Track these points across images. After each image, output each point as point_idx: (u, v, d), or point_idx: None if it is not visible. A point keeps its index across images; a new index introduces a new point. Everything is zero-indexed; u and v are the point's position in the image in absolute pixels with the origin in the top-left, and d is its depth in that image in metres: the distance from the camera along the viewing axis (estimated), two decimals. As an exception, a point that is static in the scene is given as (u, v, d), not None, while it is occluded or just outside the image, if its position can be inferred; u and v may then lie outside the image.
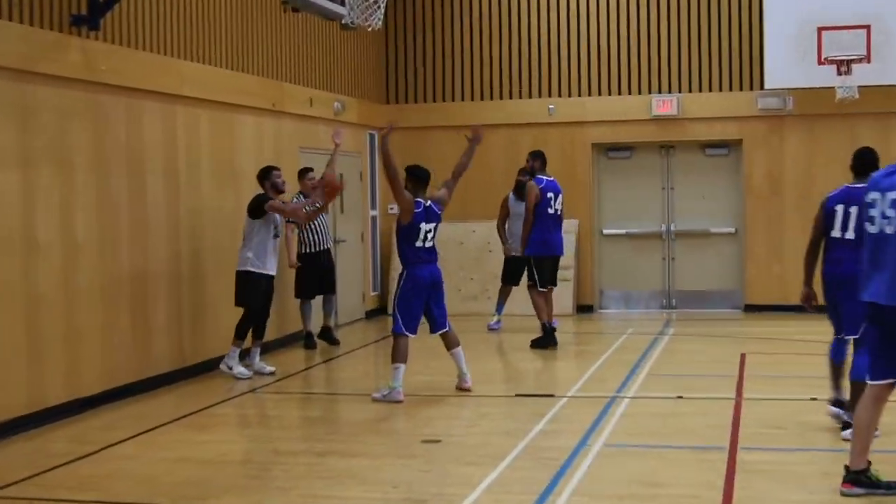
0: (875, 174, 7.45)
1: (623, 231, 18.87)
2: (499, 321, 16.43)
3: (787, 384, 11.51)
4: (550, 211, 14.50)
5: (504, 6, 18.95)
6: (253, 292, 12.25)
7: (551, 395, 10.98)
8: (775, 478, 7.75)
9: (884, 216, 6.92)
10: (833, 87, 16.97)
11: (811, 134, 17.87)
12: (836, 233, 8.74)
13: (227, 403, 11.13)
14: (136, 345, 11.52)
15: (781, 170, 17.96)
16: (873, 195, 7.10)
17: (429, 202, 11.02)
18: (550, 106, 18.70)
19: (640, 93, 18.48)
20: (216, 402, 11.11)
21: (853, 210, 8.51)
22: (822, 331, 12.35)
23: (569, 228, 18.28)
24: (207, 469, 8.39)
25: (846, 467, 6.99)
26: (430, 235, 10.97)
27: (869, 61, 16.91)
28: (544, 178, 14.71)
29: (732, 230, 18.35)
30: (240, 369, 12.24)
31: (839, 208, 8.76)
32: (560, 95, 18.78)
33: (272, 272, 12.47)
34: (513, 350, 14.84)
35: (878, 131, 17.46)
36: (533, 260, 14.62)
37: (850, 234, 8.56)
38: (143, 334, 11.66)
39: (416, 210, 10.87)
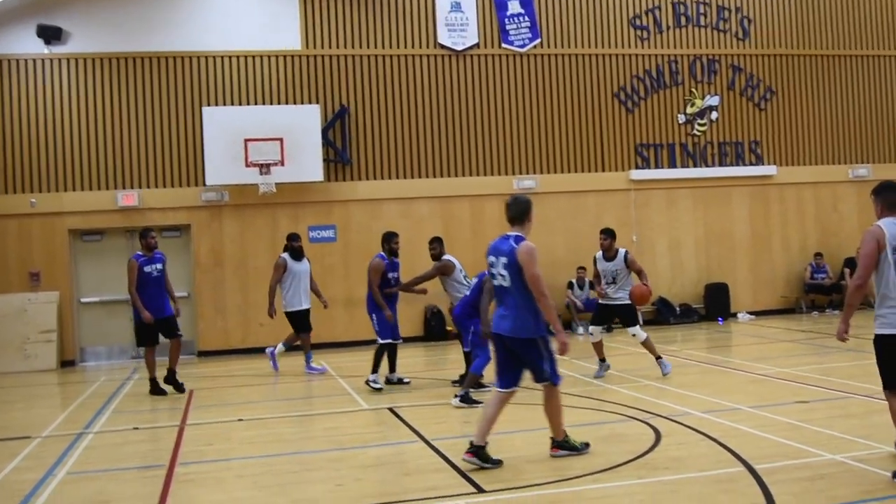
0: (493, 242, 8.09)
1: (98, 298, 18.19)
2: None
3: (224, 410, 11.58)
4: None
5: (-11, 118, 17.79)
6: None
7: (27, 437, 10.30)
8: (203, 485, 7.78)
9: (499, 274, 7.74)
10: (257, 184, 17.54)
11: (243, 219, 18.28)
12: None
13: None
14: None
15: (222, 247, 18.19)
16: (490, 258, 7.88)
17: None
18: (32, 200, 17.71)
19: (106, 188, 17.95)
20: None
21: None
22: (255, 366, 12.49)
23: (50, 299, 17.49)
24: None
25: (471, 443, 7.61)
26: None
27: (283, 164, 17.65)
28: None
29: (185, 294, 18.22)
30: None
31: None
32: (40, 190, 17.83)
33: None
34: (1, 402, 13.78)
35: (292, 218, 18.31)
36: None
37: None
38: None
39: None
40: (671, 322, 19.98)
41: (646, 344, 12.46)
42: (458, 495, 6.91)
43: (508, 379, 7.81)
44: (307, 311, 14.87)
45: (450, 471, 7.69)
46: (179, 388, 13.11)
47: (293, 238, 14.90)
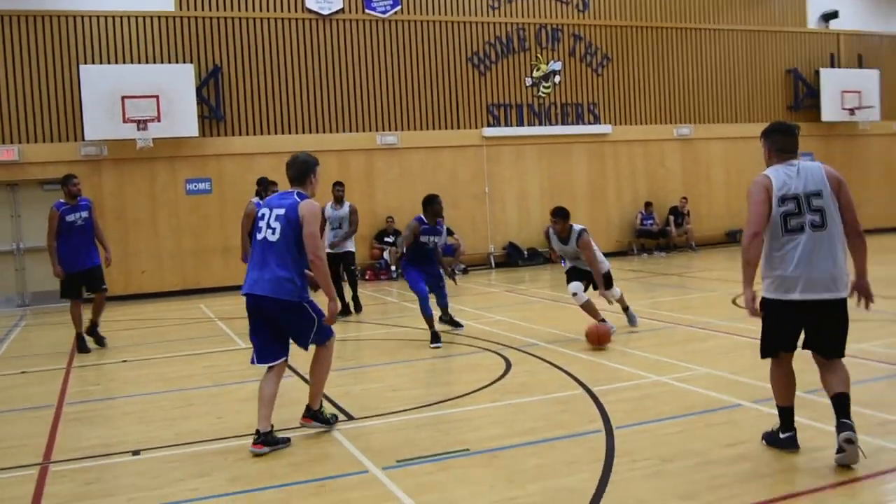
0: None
1: (-20, 251, 17.37)
2: None
3: (109, 353, 11.27)
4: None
5: None
6: None
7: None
8: (90, 423, 7.59)
9: (269, 227, 6.26)
10: (135, 139, 16.96)
11: (122, 172, 17.69)
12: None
13: None
14: None
15: (102, 200, 17.42)
16: (262, 210, 6.41)
17: None
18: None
19: (-15, 144, 17.08)
20: None
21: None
22: (137, 311, 12.06)
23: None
24: None
25: (257, 431, 6.23)
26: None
27: (159, 121, 17.11)
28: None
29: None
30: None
31: None
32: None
33: None
34: None
35: (169, 171, 17.82)
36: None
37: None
38: None
39: None
40: (519, 264, 20.40)
41: (620, 300, 10.69)
42: (330, 423, 6.95)
43: (277, 349, 6.40)
44: None
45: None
46: (100, 341, 11.60)
47: (264, 183, 12.45)
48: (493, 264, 20.43)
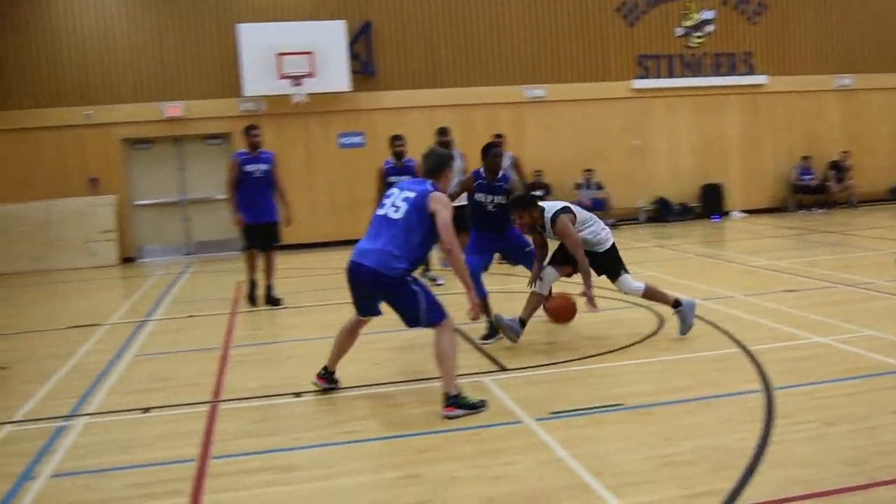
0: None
1: (151, 201, 18.28)
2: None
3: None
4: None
5: (44, 26, 17.58)
6: None
7: (97, 325, 10.48)
8: (254, 365, 7.93)
9: (394, 205, 6.14)
10: (290, 95, 17.42)
11: (279, 127, 18.18)
12: None
13: None
14: None
15: (261, 153, 18.11)
16: (394, 189, 6.32)
17: None
18: (88, 112, 17.65)
19: (153, 100, 17.88)
20: None
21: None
22: (295, 261, 12.48)
23: (108, 202, 17.59)
24: None
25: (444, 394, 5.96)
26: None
27: (313, 77, 17.49)
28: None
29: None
30: None
31: None
32: (94, 103, 17.75)
33: None
34: (66, 294, 13.98)
35: (323, 126, 18.24)
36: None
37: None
38: None
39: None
40: (669, 219, 19.95)
41: (648, 294, 8.03)
42: (483, 373, 7.04)
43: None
44: None
45: (475, 352, 7.82)
46: (276, 302, 11.01)
47: (443, 132, 11.83)
48: (643, 219, 20.06)
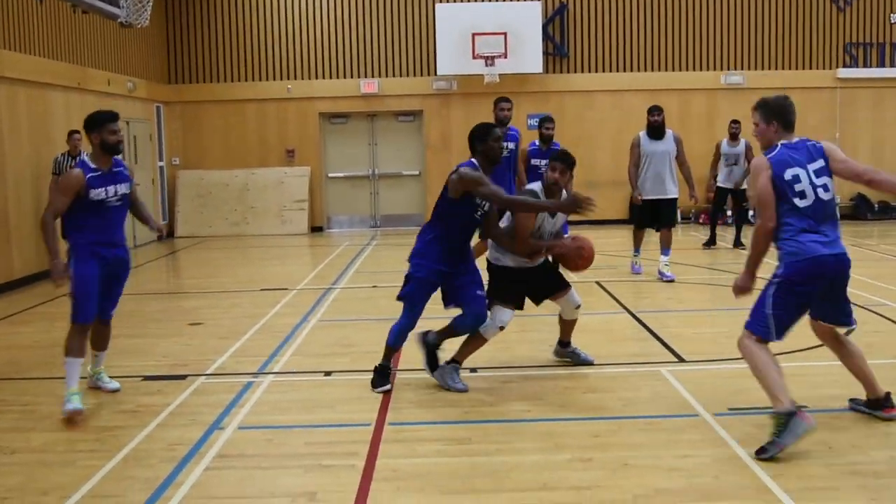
0: None
1: (343, 174, 18.92)
2: (639, 264, 11.55)
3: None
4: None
5: (254, 5, 18.48)
6: None
7: (286, 289, 10.96)
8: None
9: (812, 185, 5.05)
10: (482, 75, 17.52)
11: (469, 106, 18.28)
12: None
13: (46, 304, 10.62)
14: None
15: (450, 132, 18.39)
16: (793, 171, 5.03)
17: None
18: (289, 87, 18.44)
19: (351, 76, 18.46)
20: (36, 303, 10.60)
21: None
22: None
23: (303, 173, 18.33)
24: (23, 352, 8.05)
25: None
26: None
27: (506, 58, 17.52)
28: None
29: (417, 173, 18.73)
30: None
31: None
32: (295, 78, 18.53)
33: None
34: (260, 259, 14.66)
35: (515, 107, 18.16)
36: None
37: None
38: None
39: None
40: (868, 218, 18.79)
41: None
42: (660, 363, 6.87)
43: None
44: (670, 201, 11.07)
45: (652, 340, 7.65)
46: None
47: (652, 112, 11.09)
48: (838, 216, 18.95)
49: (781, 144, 5.13)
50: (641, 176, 10.93)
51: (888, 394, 5.41)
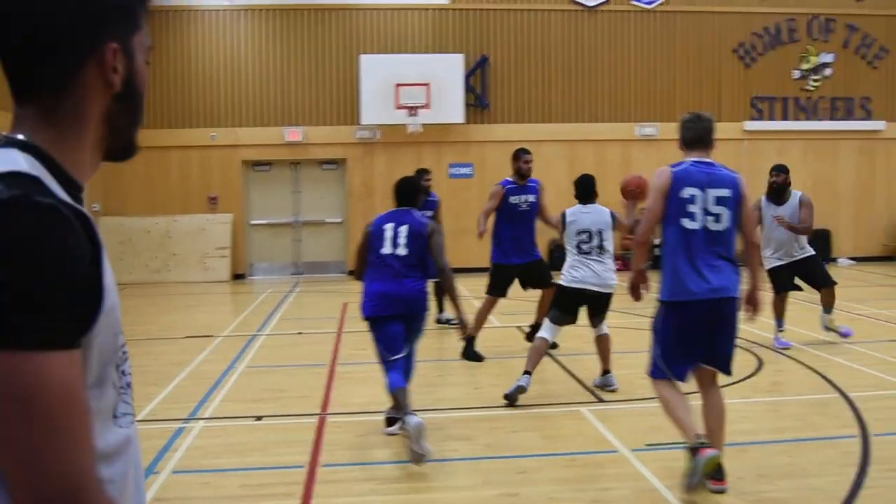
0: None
1: (265, 221, 19.02)
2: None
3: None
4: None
5: (179, 51, 18.59)
6: None
7: (211, 336, 11.02)
8: (360, 382, 8.26)
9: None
10: (405, 124, 17.92)
11: (392, 155, 18.66)
12: None
13: None
14: None
15: (372, 180, 18.68)
16: (690, 191, 5.06)
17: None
18: (213, 134, 18.55)
19: (275, 124, 18.66)
20: None
21: None
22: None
23: (225, 220, 18.37)
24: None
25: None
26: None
27: (429, 108, 17.95)
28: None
29: (340, 220, 18.93)
30: None
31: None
32: (219, 125, 18.65)
33: None
34: (184, 306, 14.66)
35: (435, 155, 18.63)
36: None
37: None
38: None
39: None
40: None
41: None
42: (580, 403, 7.20)
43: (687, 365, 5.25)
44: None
45: (572, 381, 7.98)
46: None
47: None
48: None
49: (692, 161, 5.10)
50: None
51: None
